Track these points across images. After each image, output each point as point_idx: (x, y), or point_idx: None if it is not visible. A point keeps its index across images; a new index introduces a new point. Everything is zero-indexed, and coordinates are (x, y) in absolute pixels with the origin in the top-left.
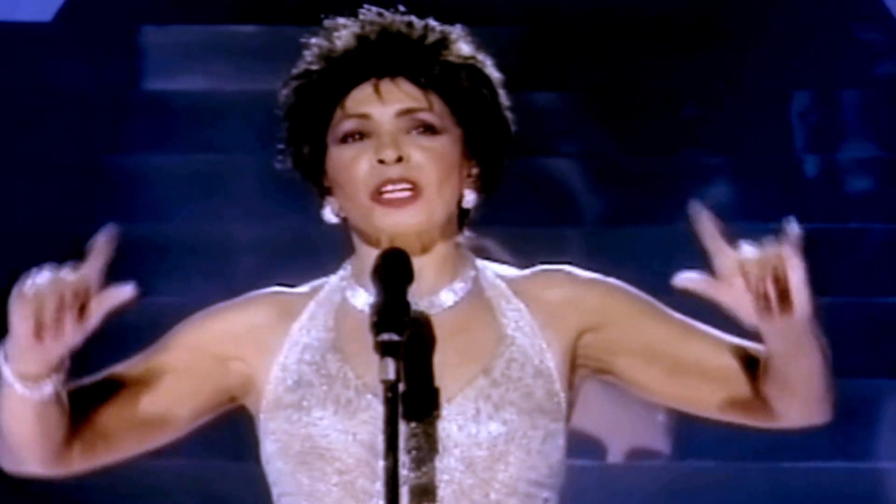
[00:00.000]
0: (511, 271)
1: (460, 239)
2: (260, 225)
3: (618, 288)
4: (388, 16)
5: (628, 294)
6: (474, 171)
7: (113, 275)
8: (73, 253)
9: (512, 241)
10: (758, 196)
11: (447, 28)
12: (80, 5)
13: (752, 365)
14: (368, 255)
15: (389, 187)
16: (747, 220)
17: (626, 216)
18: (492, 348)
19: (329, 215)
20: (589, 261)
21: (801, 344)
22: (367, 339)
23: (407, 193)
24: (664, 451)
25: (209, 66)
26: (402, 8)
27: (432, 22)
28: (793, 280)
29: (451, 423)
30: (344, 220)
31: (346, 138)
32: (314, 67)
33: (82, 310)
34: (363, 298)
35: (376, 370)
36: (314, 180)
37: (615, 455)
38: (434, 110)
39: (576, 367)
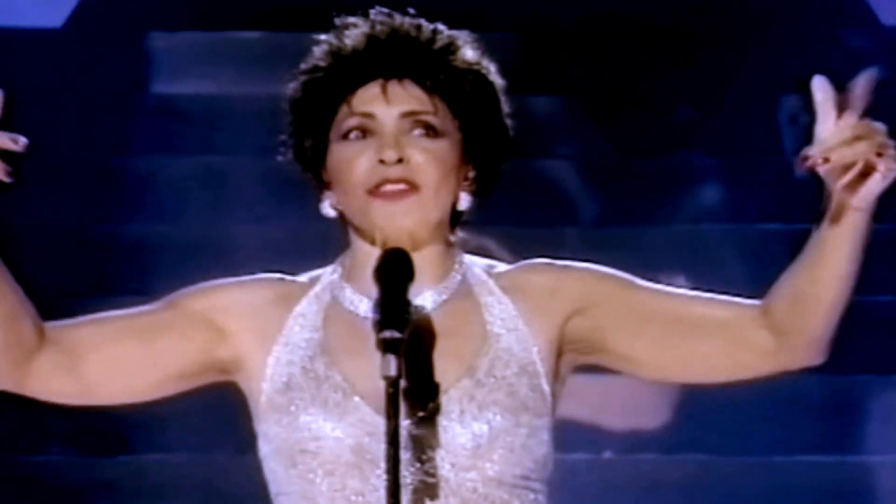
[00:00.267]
0: (499, 266)
1: (452, 239)
2: (265, 226)
3: (596, 269)
4: (398, 18)
5: (607, 273)
6: (471, 174)
7: (118, 274)
8: (82, 251)
9: (511, 241)
10: (749, 197)
11: (455, 33)
12: (89, 12)
13: (743, 311)
14: (362, 251)
15: (388, 186)
16: (739, 221)
17: (621, 216)
18: (476, 348)
19: (326, 209)
20: (585, 260)
21: (849, 239)
22: (356, 340)
23: (404, 187)
24: (657, 445)
25: (215, 71)
26: (411, 11)
27: (440, 26)
28: (877, 177)
29: (436, 424)
30: (341, 215)
31: (348, 135)
32: (323, 63)
33: None
34: (353, 299)
35: (364, 372)
36: (314, 173)
37: (609, 448)
38: (437, 114)
39: (563, 353)
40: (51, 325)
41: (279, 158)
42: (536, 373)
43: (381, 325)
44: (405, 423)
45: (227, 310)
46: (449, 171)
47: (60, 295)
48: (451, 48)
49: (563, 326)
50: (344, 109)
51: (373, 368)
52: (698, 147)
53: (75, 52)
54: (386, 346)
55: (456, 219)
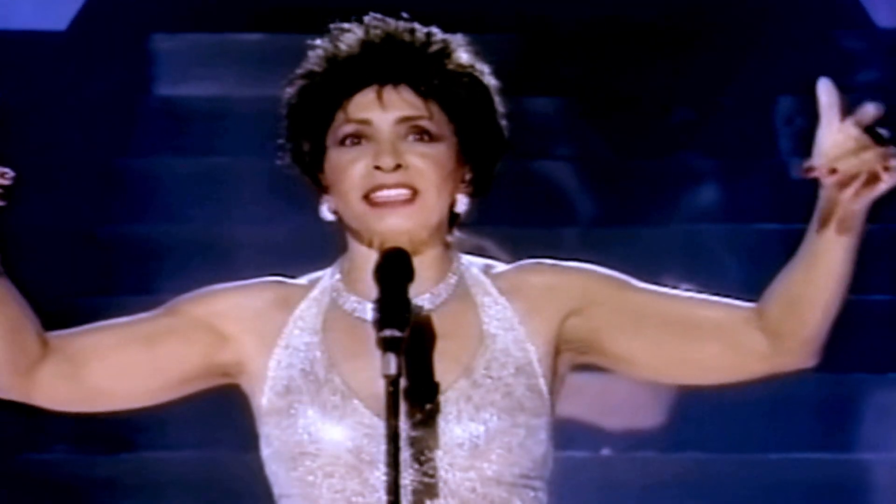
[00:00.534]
0: (497, 266)
1: (449, 240)
2: (267, 226)
3: (594, 270)
4: (393, 23)
5: (604, 273)
6: (468, 176)
7: (121, 274)
8: (85, 251)
9: (509, 241)
10: (746, 197)
11: (449, 37)
12: (93, 15)
13: (738, 313)
14: (360, 254)
15: (384, 192)
16: (736, 221)
17: (619, 217)
18: (473, 349)
19: (325, 212)
20: (583, 260)
21: (844, 241)
22: (355, 343)
23: (404, 193)
24: (655, 443)
25: (218, 73)
26: (405, 15)
27: (434, 30)
28: (881, 185)
29: (434, 425)
30: (339, 218)
31: (345, 141)
32: (318, 69)
33: None
34: (352, 302)
35: (363, 374)
36: (312, 177)
37: (608, 446)
38: (433, 118)
39: (560, 352)
40: (53, 335)
41: (279, 163)
42: (533, 373)
43: (381, 323)
44: (404, 425)
45: (227, 314)
46: (447, 175)
47: (64, 295)
48: (445, 52)
49: (561, 326)
50: (340, 115)
51: (372, 371)
52: (695, 148)
53: (79, 55)
54: (386, 345)
55: (453, 220)
